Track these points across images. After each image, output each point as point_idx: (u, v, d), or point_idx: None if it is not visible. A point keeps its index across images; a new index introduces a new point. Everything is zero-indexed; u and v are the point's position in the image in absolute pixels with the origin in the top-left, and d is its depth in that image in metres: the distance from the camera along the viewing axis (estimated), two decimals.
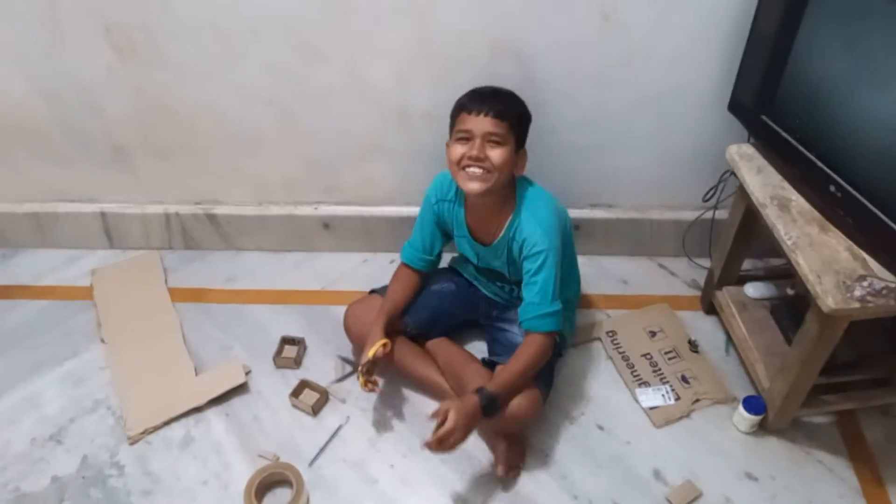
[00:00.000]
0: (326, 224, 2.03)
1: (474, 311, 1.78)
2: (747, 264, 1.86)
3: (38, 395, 1.78)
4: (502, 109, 1.47)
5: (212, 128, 1.85)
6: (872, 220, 1.26)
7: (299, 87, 1.76)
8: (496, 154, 1.47)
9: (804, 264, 1.30)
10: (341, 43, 1.68)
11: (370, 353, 1.57)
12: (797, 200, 1.43)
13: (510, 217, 1.56)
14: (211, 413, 1.72)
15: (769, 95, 1.42)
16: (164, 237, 2.10)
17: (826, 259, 1.31)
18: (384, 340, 1.60)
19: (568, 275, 1.70)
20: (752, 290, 1.76)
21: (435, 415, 1.43)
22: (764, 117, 1.45)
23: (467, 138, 1.48)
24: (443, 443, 1.40)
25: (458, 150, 1.49)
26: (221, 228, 2.06)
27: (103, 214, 2.05)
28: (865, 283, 1.26)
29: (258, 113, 1.81)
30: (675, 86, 1.67)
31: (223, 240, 2.09)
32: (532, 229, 1.53)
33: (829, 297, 1.24)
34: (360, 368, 1.59)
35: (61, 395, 1.78)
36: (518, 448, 1.58)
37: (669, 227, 1.95)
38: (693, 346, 1.79)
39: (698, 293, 1.93)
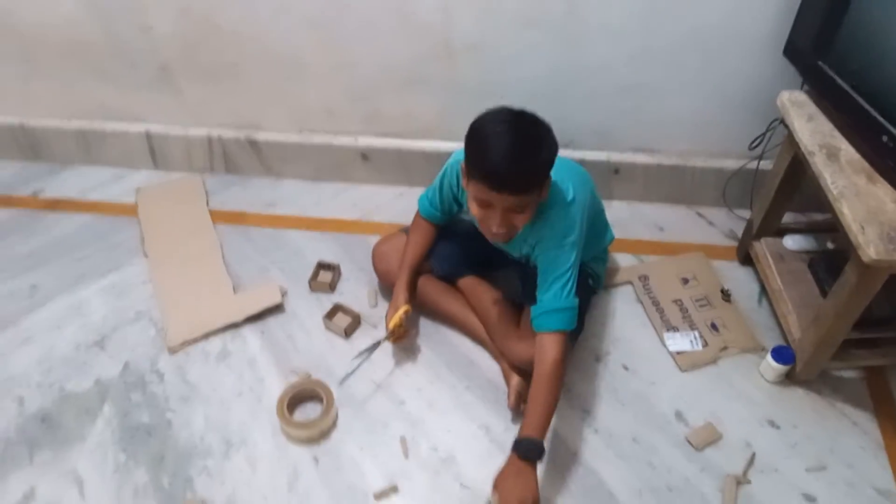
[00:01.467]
0: (365, 155, 2.04)
1: (501, 254, 1.77)
2: (788, 218, 1.83)
3: (82, 304, 1.85)
4: (525, 184, 1.30)
5: (256, 50, 1.86)
6: None
7: (345, 11, 1.75)
8: (521, 219, 1.36)
9: (848, 213, 1.28)
10: None
11: (391, 325, 1.60)
12: (846, 150, 1.40)
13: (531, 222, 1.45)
14: (247, 330, 1.78)
15: (828, 40, 1.38)
16: (206, 160, 2.14)
17: (871, 209, 1.29)
18: (406, 307, 1.61)
19: (597, 231, 1.68)
20: (791, 242, 1.74)
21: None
22: (820, 63, 1.41)
23: (487, 205, 1.35)
24: None
25: (478, 212, 1.38)
26: (262, 154, 2.09)
27: (148, 134, 2.09)
28: None
29: (303, 37, 1.81)
30: (728, 26, 1.62)
31: (263, 166, 2.13)
32: (544, 233, 1.45)
33: (871, 246, 1.22)
34: (385, 338, 1.63)
35: (105, 304, 1.85)
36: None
37: (711, 176, 1.92)
38: (725, 294, 1.79)
39: (735, 244, 1.91)
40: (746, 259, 1.84)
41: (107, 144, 2.13)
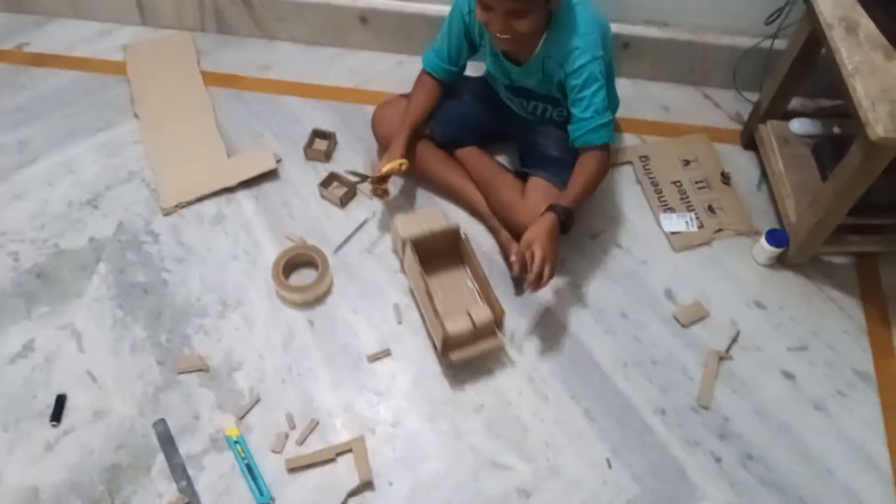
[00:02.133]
0: (364, 18, 1.95)
1: (505, 123, 1.74)
2: (795, 104, 1.79)
3: (73, 161, 1.82)
4: None
5: None
6: None
7: None
8: (522, 24, 1.36)
9: (860, 89, 1.24)
10: None
11: (384, 168, 1.57)
12: (867, 25, 1.34)
13: (547, 32, 1.45)
14: (241, 195, 1.77)
15: None
16: (196, 18, 2.03)
17: (886, 87, 1.25)
18: (402, 161, 1.58)
19: (608, 88, 1.64)
20: (798, 125, 1.70)
21: (518, 254, 1.41)
22: None
23: (489, 6, 1.35)
24: (541, 278, 1.39)
25: (482, 14, 1.38)
26: (255, 12, 1.99)
27: None
28: None
29: None
30: None
31: (257, 25, 2.03)
32: (574, 44, 1.43)
33: (879, 124, 1.20)
34: (370, 177, 1.60)
35: (96, 163, 1.82)
36: (555, 262, 1.59)
37: (723, 55, 1.85)
38: (725, 178, 1.77)
39: (740, 128, 1.87)
40: (750, 143, 1.81)
41: None
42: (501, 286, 1.61)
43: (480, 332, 1.46)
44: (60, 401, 1.46)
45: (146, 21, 2.07)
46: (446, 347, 1.45)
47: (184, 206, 1.74)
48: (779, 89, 1.64)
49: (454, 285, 1.60)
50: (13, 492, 1.36)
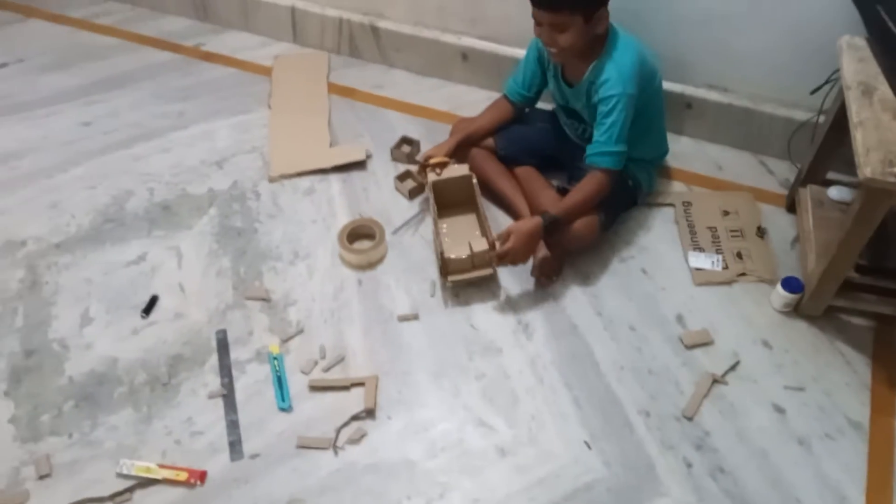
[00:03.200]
0: (465, 55, 2.29)
1: (560, 151, 1.98)
2: (841, 175, 1.88)
3: (213, 132, 2.27)
4: (552, 2, 1.59)
5: None
6: None
7: None
8: (563, 38, 1.63)
9: (860, 139, 1.37)
10: None
11: (434, 160, 1.87)
12: (884, 91, 1.47)
13: (594, 63, 1.71)
14: (333, 176, 2.11)
15: None
16: (335, 41, 2.48)
17: (884, 140, 1.37)
18: (446, 159, 1.88)
19: (650, 132, 1.86)
20: (835, 192, 1.80)
21: (499, 235, 1.70)
22: (879, 7, 1.48)
23: (538, 21, 1.65)
24: (503, 259, 1.69)
25: (537, 30, 1.68)
26: (381, 41, 2.40)
27: (293, 10, 2.46)
28: None
29: None
30: None
31: (380, 53, 2.43)
32: (609, 74, 1.67)
33: (868, 167, 1.32)
34: (417, 159, 1.92)
35: (230, 136, 2.25)
36: (556, 261, 1.80)
37: (779, 125, 1.99)
38: (760, 231, 1.88)
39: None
40: (793, 207, 1.91)
41: (260, 14, 2.53)
42: (521, 278, 1.82)
43: (477, 262, 1.73)
44: (153, 300, 1.81)
45: (297, 39, 2.55)
46: (447, 270, 1.74)
47: (286, 178, 2.11)
48: (816, 155, 1.77)
49: (467, 225, 1.91)
50: (99, 357, 1.70)
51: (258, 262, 1.89)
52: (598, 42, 1.69)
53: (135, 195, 2.07)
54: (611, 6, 1.63)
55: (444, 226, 1.87)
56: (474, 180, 1.88)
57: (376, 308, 1.79)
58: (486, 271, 1.76)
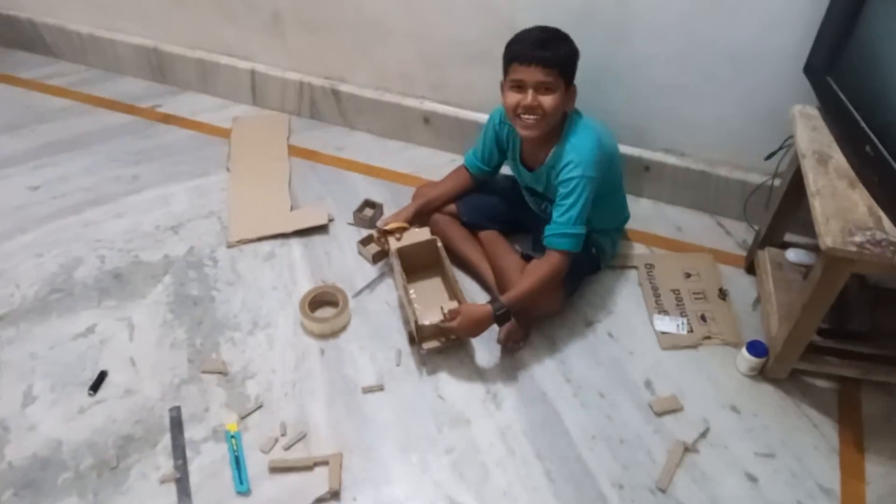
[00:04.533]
0: (427, 119, 2.30)
1: (523, 216, 1.98)
2: (797, 238, 1.92)
3: (169, 196, 2.21)
4: (551, 57, 1.58)
5: (353, 11, 2.16)
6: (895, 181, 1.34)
7: None
8: (548, 101, 1.61)
9: (819, 208, 1.40)
10: None
11: (389, 226, 1.85)
12: (837, 159, 1.51)
13: (554, 148, 1.72)
14: (294, 241, 2.07)
15: (836, 57, 1.51)
16: (295, 103, 2.46)
17: (842, 208, 1.40)
18: (405, 225, 1.86)
19: (611, 203, 1.87)
20: (793, 254, 1.83)
21: (450, 311, 1.68)
22: (829, 78, 1.54)
23: (520, 87, 1.62)
24: (444, 331, 1.70)
25: (513, 97, 1.63)
26: (342, 105, 2.39)
27: (253, 73, 2.45)
28: (868, 233, 1.35)
29: (392, 5, 2.10)
30: (759, 40, 1.76)
31: (342, 116, 2.43)
32: (570, 158, 1.66)
33: (829, 236, 1.34)
34: (377, 226, 1.88)
35: (187, 200, 2.20)
36: (522, 327, 1.78)
37: (735, 188, 2.04)
38: (722, 293, 1.90)
39: (746, 254, 2.02)
40: (752, 268, 1.94)
41: (219, 76, 2.51)
42: (488, 345, 1.79)
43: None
44: (102, 376, 1.72)
45: (256, 101, 2.53)
46: (420, 337, 1.70)
47: (245, 243, 2.05)
48: (774, 218, 1.81)
49: (434, 289, 1.89)
50: (42, 440, 1.59)
51: (215, 332, 1.82)
52: (559, 125, 1.71)
53: (84, 263, 1.99)
54: (577, 75, 1.67)
55: (413, 292, 1.84)
56: (439, 244, 1.86)
57: (340, 378, 1.73)
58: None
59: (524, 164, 1.84)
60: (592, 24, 1.85)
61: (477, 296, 1.91)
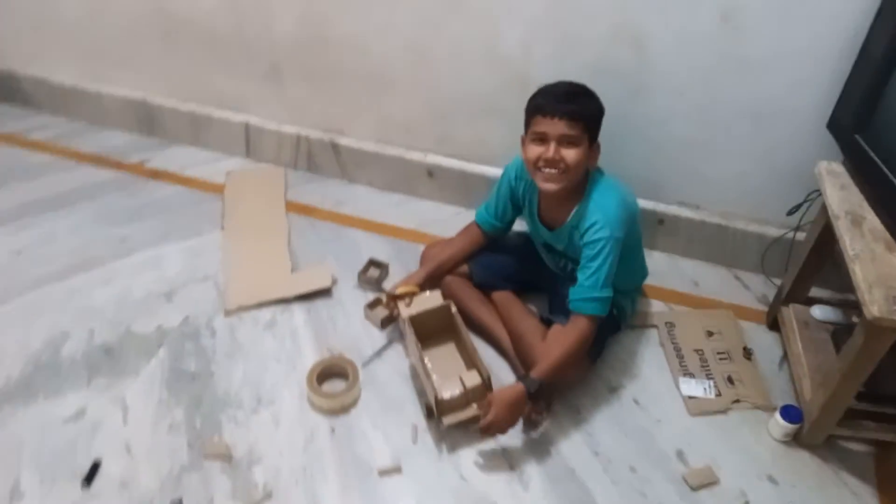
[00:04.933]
0: (431, 172, 2.23)
1: (538, 275, 1.90)
2: (822, 294, 1.88)
3: (161, 259, 2.09)
4: (576, 111, 1.53)
5: (355, 62, 2.09)
6: None
7: (438, 36, 1.96)
8: (571, 154, 1.55)
9: (860, 273, 1.34)
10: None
11: (399, 290, 1.77)
12: (871, 220, 1.46)
13: (577, 207, 1.65)
14: (296, 306, 1.96)
15: (865, 116, 1.47)
16: (292, 156, 2.38)
17: (883, 274, 1.34)
18: (416, 289, 1.77)
19: (632, 263, 1.80)
20: (819, 311, 1.78)
21: (481, 407, 1.57)
22: (857, 136, 1.50)
23: (542, 140, 1.56)
24: (487, 431, 1.57)
25: (534, 150, 1.58)
26: (341, 158, 2.31)
27: (248, 126, 2.36)
28: None
29: (397, 55, 2.04)
30: (782, 98, 1.73)
31: (340, 169, 2.34)
32: (595, 218, 1.59)
33: (875, 305, 1.28)
34: (388, 291, 1.79)
35: (180, 263, 2.08)
36: (545, 398, 1.68)
37: (752, 241, 1.99)
38: (747, 353, 1.83)
39: (766, 309, 1.96)
40: (774, 324, 1.88)
41: (212, 129, 2.42)
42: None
43: (471, 396, 1.59)
44: (95, 466, 1.58)
45: (250, 154, 2.43)
46: (440, 411, 1.59)
47: (244, 310, 1.94)
48: (798, 275, 1.75)
49: (449, 357, 1.78)
50: None
51: (216, 411, 1.70)
52: (582, 183, 1.64)
53: (72, 337, 1.86)
54: None
55: (429, 361, 1.74)
56: (453, 309, 1.76)
57: (353, 460, 1.61)
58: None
59: (542, 222, 1.76)
60: (610, 80, 1.80)
61: (492, 361, 1.82)
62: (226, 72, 2.28)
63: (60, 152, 2.47)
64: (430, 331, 1.78)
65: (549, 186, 1.60)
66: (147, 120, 2.49)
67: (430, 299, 1.78)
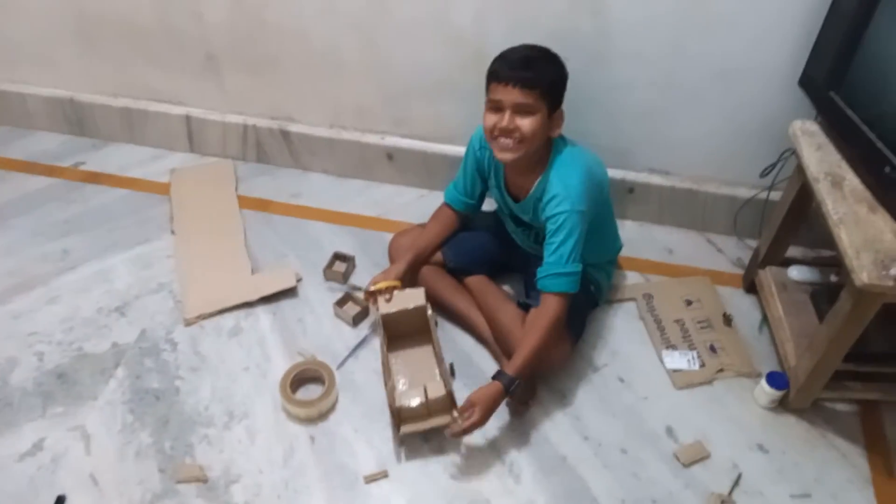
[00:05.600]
0: (390, 155, 2.12)
1: (512, 256, 1.84)
2: (796, 252, 1.86)
3: (109, 271, 1.95)
4: (532, 78, 1.45)
5: (298, 46, 1.95)
6: None
7: (385, 16, 1.84)
8: (526, 124, 1.47)
9: (845, 239, 1.31)
10: None
11: (380, 286, 1.68)
12: (851, 180, 1.43)
13: (540, 177, 1.58)
14: (260, 310, 1.85)
15: (840, 72, 1.42)
16: (239, 148, 2.23)
17: (869, 237, 1.32)
18: (396, 283, 1.69)
19: (604, 235, 1.75)
20: (796, 272, 1.76)
21: (461, 409, 1.49)
22: (832, 94, 1.45)
23: (498, 108, 1.49)
24: (468, 431, 1.49)
25: (490, 119, 1.51)
26: (293, 146, 2.18)
27: (188, 118, 2.20)
28: None
29: (344, 37, 1.91)
30: (750, 58, 1.67)
31: (293, 157, 2.21)
32: (556, 191, 1.53)
33: (864, 271, 1.25)
34: (365, 288, 1.71)
35: (130, 274, 1.94)
36: (529, 385, 1.63)
37: (723, 203, 1.96)
38: (727, 319, 1.81)
39: (742, 272, 1.94)
40: (751, 288, 1.87)
41: (149, 125, 2.25)
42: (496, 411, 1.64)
43: (432, 408, 1.52)
44: (60, 502, 1.48)
45: (194, 148, 2.28)
46: (399, 419, 1.52)
47: (205, 318, 1.83)
48: (775, 237, 1.72)
49: (423, 361, 1.69)
50: None
51: (186, 431, 1.60)
52: (546, 152, 1.57)
53: (20, 364, 1.72)
54: None
55: (395, 363, 1.66)
56: (429, 312, 1.68)
57: (337, 469, 1.54)
58: (444, 419, 1.53)
59: (509, 193, 1.69)
60: (569, 49, 1.69)
61: (473, 350, 1.76)
62: (156, 64, 2.11)
63: None
64: (406, 330, 1.70)
65: (506, 156, 1.53)
66: (77, 120, 2.30)
67: (411, 297, 1.69)
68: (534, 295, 1.72)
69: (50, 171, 2.25)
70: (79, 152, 2.31)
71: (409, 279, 1.74)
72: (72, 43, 2.13)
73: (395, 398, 1.52)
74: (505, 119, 1.48)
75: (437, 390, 1.52)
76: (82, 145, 2.34)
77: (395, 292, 1.69)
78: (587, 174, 1.56)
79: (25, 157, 2.28)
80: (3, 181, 2.20)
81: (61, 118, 2.30)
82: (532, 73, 1.46)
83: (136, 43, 2.07)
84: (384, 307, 1.67)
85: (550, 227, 1.54)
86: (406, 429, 1.53)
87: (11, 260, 1.96)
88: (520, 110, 1.47)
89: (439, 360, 1.63)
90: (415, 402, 1.51)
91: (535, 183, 1.59)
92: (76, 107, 2.26)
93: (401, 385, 1.63)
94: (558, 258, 1.53)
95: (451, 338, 1.79)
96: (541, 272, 1.56)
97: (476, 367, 1.73)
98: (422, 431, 1.55)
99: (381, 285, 1.68)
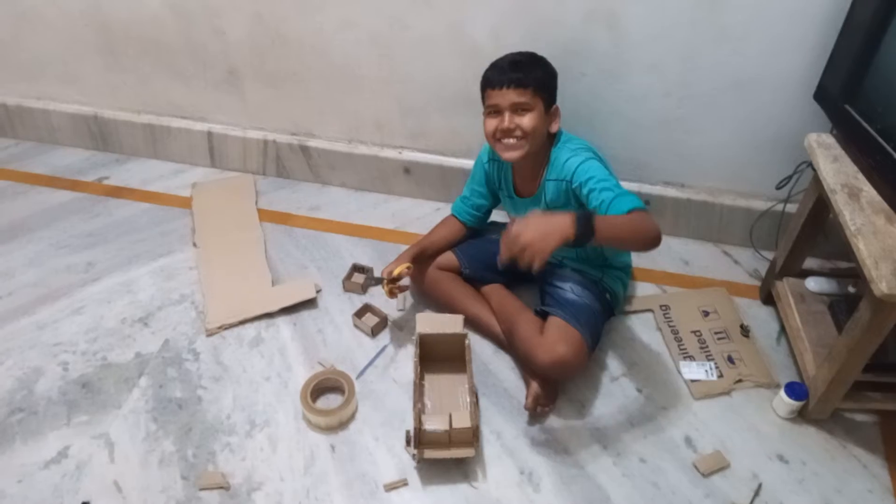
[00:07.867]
0: (407, 169, 2.15)
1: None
2: (813, 264, 1.87)
3: (133, 283, 1.98)
4: (523, 77, 1.54)
5: (318, 61, 2.00)
6: None
7: (403, 31, 1.88)
8: (525, 120, 1.56)
9: (864, 249, 1.32)
10: None
11: (396, 271, 1.71)
12: (868, 191, 1.44)
13: (546, 168, 1.65)
14: (281, 320, 1.88)
15: (855, 85, 1.44)
16: (259, 162, 2.27)
17: (887, 248, 1.32)
18: (409, 264, 1.74)
19: None
20: (813, 283, 1.77)
21: (508, 230, 1.29)
22: (847, 106, 1.47)
23: (496, 111, 1.58)
24: (511, 249, 1.26)
25: (491, 123, 1.60)
26: (312, 160, 2.22)
27: (210, 134, 2.24)
28: None
29: (363, 52, 1.95)
30: (765, 70, 1.69)
31: (312, 172, 2.25)
32: (563, 158, 1.60)
33: (883, 281, 1.26)
34: (384, 278, 1.73)
35: (153, 285, 1.98)
36: (549, 390, 1.65)
37: (739, 215, 1.97)
38: (744, 330, 1.82)
39: (758, 283, 1.94)
40: (768, 299, 1.87)
41: (171, 140, 2.29)
42: (513, 416, 1.65)
43: (456, 437, 1.51)
44: None
45: (215, 163, 2.32)
46: (421, 442, 1.52)
47: (226, 328, 1.85)
48: (792, 249, 1.73)
49: (452, 387, 1.69)
50: None
51: (208, 439, 1.62)
52: (547, 148, 1.64)
53: (45, 374, 1.75)
54: (571, 112, 1.60)
55: (435, 390, 1.66)
56: (467, 341, 1.67)
57: (358, 478, 1.55)
58: (467, 452, 1.52)
59: (518, 194, 1.75)
60: (586, 62, 1.75)
61: (490, 359, 1.78)
62: (179, 80, 2.16)
63: (10, 176, 2.32)
64: (441, 355, 1.70)
65: (511, 154, 1.60)
66: (100, 135, 2.35)
67: (449, 323, 1.69)
68: (549, 303, 1.75)
69: (74, 185, 2.29)
70: (102, 167, 2.36)
71: (418, 269, 1.80)
72: (95, 59, 2.19)
73: (421, 420, 1.52)
74: (505, 120, 1.57)
75: (462, 421, 1.51)
76: (106, 160, 2.39)
77: (434, 315, 1.72)
78: (591, 147, 1.64)
79: (50, 172, 2.33)
80: (27, 195, 2.25)
81: (86, 133, 2.36)
82: (523, 74, 1.56)
83: (159, 59, 2.12)
84: (422, 326, 1.68)
85: (579, 180, 1.56)
86: (429, 454, 1.52)
87: (36, 272, 2.00)
88: (517, 109, 1.56)
89: (471, 391, 1.62)
90: (438, 427, 1.50)
91: (543, 175, 1.66)
92: (100, 123, 2.32)
93: (427, 408, 1.64)
94: (607, 189, 1.48)
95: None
96: (602, 210, 1.47)
97: (493, 375, 1.75)
98: (442, 459, 1.53)
99: (400, 269, 1.72)
